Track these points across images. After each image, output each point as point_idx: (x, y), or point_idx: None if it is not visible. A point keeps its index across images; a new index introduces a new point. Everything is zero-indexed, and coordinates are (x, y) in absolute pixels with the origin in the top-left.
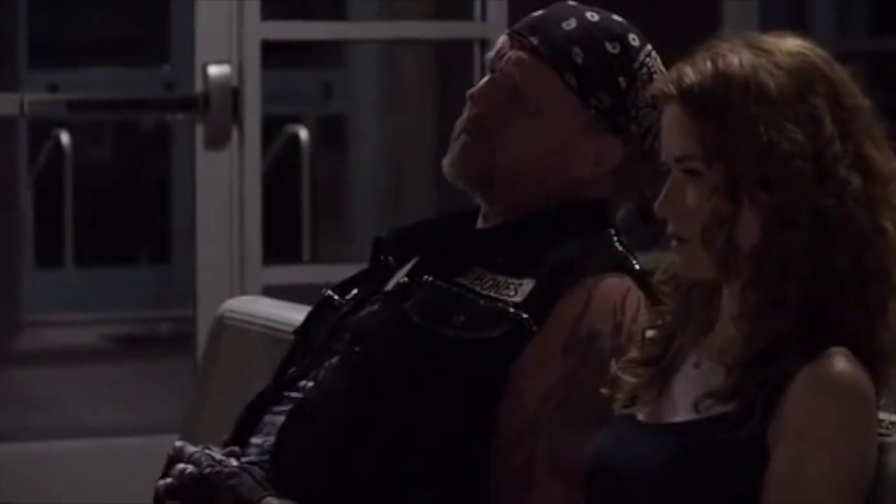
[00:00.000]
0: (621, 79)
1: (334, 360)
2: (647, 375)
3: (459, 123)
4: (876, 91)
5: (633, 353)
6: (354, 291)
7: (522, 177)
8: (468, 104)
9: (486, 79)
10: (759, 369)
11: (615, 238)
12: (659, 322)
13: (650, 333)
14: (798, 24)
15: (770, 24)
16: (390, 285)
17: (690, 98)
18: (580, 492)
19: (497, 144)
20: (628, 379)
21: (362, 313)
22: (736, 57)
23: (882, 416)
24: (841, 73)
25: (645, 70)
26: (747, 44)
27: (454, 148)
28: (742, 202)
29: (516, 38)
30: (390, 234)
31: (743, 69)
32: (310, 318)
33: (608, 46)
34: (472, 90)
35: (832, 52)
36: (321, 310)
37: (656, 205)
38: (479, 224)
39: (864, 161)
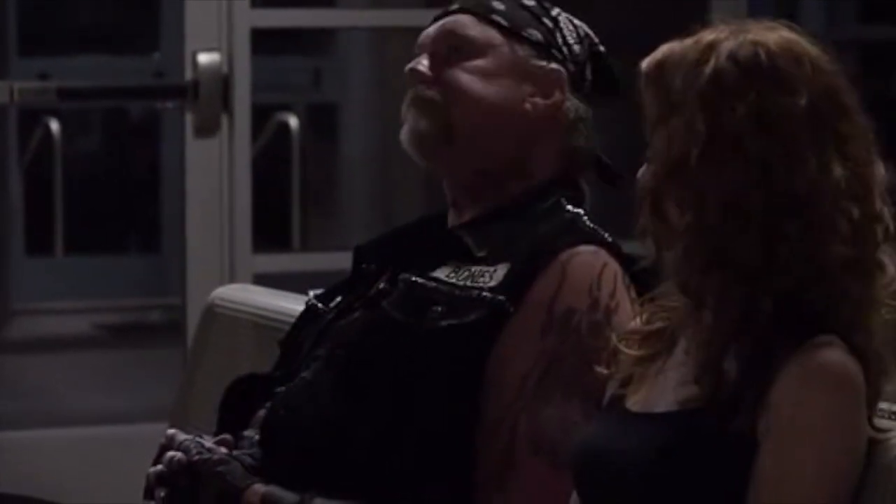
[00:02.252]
0: (545, 20)
1: (318, 363)
2: (647, 349)
3: (407, 102)
4: (865, 79)
5: (636, 324)
6: (338, 299)
7: (481, 127)
8: (410, 82)
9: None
10: (747, 360)
11: (585, 217)
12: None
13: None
14: (787, 16)
15: (759, 17)
16: (372, 292)
17: (654, 77)
18: (564, 470)
19: (450, 100)
20: (629, 352)
21: (345, 321)
22: (717, 41)
23: (883, 406)
24: (827, 64)
25: (563, 18)
26: (732, 31)
27: (408, 119)
28: (724, 193)
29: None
30: (369, 242)
31: (720, 56)
32: (295, 327)
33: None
34: (412, 65)
35: (821, 43)
36: (305, 318)
37: (639, 174)
38: (452, 221)
39: (846, 151)
